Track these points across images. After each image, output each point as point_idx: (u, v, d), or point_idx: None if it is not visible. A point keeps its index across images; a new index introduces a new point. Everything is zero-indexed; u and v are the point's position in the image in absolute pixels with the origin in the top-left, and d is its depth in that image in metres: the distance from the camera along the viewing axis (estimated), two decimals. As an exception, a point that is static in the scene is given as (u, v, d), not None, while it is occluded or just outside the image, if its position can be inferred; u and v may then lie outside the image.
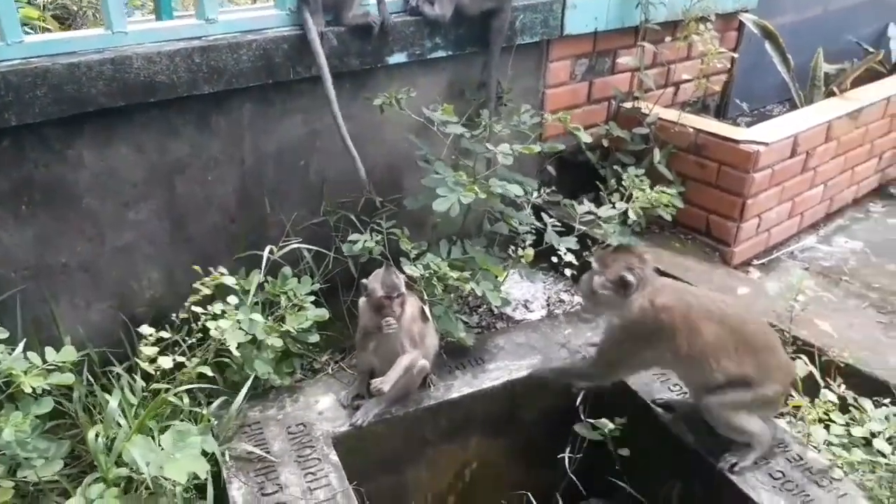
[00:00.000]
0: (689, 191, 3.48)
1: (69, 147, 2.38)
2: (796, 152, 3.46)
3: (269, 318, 2.63)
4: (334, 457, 2.36)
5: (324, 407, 2.58)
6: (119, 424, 2.20)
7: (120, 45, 2.40)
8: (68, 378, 2.17)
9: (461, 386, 2.69)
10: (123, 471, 2.09)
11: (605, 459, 2.65)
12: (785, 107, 4.71)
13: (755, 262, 3.55)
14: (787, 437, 2.47)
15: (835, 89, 4.12)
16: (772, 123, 3.63)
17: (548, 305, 3.33)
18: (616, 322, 2.38)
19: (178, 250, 2.69)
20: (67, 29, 4.31)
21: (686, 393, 2.58)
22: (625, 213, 3.07)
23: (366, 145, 3.02)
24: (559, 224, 3.05)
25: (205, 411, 2.34)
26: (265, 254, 2.68)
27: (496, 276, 2.82)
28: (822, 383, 2.62)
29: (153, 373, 2.28)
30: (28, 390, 2.08)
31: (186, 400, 2.35)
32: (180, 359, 2.35)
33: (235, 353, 2.37)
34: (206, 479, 2.14)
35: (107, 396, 2.24)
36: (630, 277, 2.26)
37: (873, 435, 2.42)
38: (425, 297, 2.67)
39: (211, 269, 2.46)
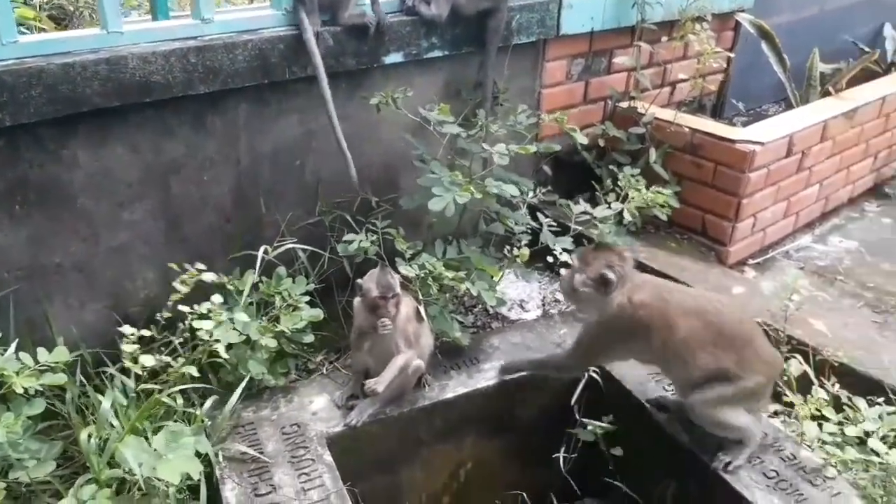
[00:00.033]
0: (685, 190, 3.48)
1: (64, 147, 2.38)
2: (792, 152, 3.46)
3: (264, 318, 2.63)
4: (328, 457, 2.36)
5: (318, 407, 2.58)
6: (112, 425, 2.20)
7: (115, 45, 2.39)
8: (60, 379, 2.17)
9: (456, 386, 2.69)
10: (116, 472, 2.09)
11: (600, 459, 2.65)
12: (781, 106, 4.71)
13: (751, 261, 3.55)
14: (781, 437, 2.47)
15: (830, 89, 4.13)
16: (767, 123, 3.63)
17: (543, 305, 3.33)
18: (594, 317, 2.42)
19: (173, 250, 2.69)
20: (64, 29, 4.30)
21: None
22: (620, 213, 3.07)
23: (362, 145, 3.02)
24: (555, 224, 3.05)
25: (198, 412, 2.33)
26: (259, 254, 2.68)
27: (492, 276, 2.82)
28: (816, 382, 2.62)
29: (140, 373, 2.27)
30: (20, 391, 2.08)
31: (180, 400, 2.35)
32: (166, 358, 2.32)
33: (224, 353, 2.36)
34: (199, 480, 2.14)
35: (99, 397, 2.24)
36: (610, 275, 2.29)
37: (867, 434, 2.43)
38: (420, 297, 2.67)
39: (188, 265, 2.42)
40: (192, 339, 2.41)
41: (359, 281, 2.48)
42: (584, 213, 3.09)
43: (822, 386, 2.59)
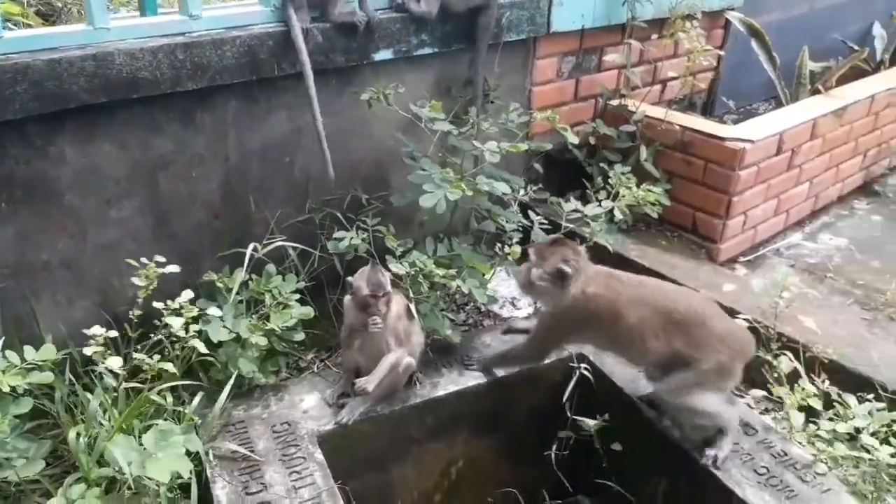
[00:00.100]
0: (676, 188, 3.49)
1: (51, 143, 2.36)
2: (782, 150, 3.47)
3: (254, 316, 2.61)
4: (319, 455, 2.35)
5: (309, 405, 2.57)
6: (101, 424, 2.18)
7: (102, 42, 2.37)
8: (48, 377, 2.14)
9: (447, 384, 2.69)
10: (106, 470, 2.07)
11: (592, 457, 2.65)
12: (771, 104, 4.73)
13: (741, 259, 3.56)
14: (771, 433, 2.48)
15: (820, 87, 4.14)
16: (757, 121, 3.64)
17: (534, 303, 3.32)
18: (549, 309, 2.54)
19: (161, 248, 2.66)
20: (52, 25, 4.26)
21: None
22: (611, 211, 3.07)
23: (352, 142, 3.01)
24: (546, 222, 3.05)
25: (188, 410, 2.32)
26: (248, 251, 2.66)
27: (483, 274, 2.81)
28: (805, 379, 2.63)
29: (119, 372, 2.23)
30: (6, 390, 2.06)
31: (170, 399, 2.33)
32: (140, 356, 2.26)
33: (202, 348, 2.33)
34: (189, 479, 2.12)
35: (88, 395, 2.22)
36: (567, 269, 2.38)
37: (857, 430, 2.43)
38: (411, 295, 2.66)
39: (145, 259, 2.35)
40: (174, 337, 2.38)
41: (349, 279, 2.48)
42: (575, 210, 3.09)
43: (812, 382, 2.59)
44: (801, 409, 2.52)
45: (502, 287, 3.36)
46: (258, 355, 2.55)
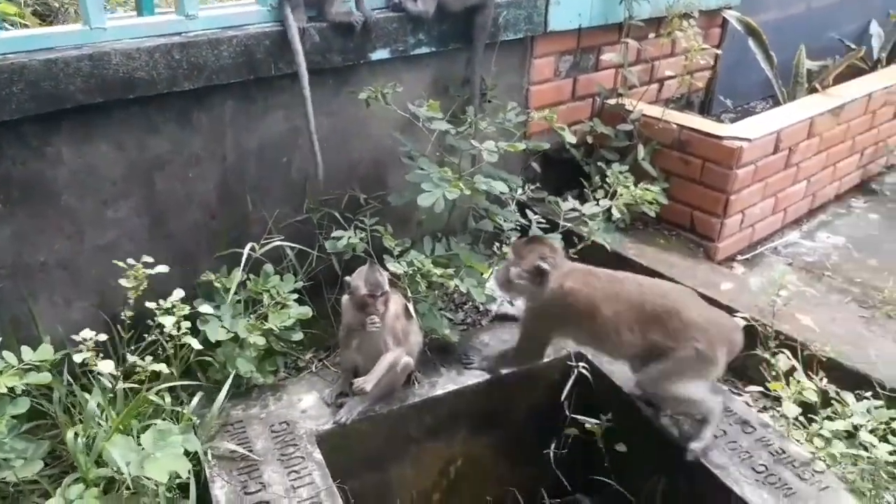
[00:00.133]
0: (673, 187, 3.49)
1: (47, 144, 2.35)
2: (779, 148, 3.48)
3: (252, 316, 2.61)
4: (318, 455, 2.35)
5: (307, 405, 2.57)
6: (99, 424, 2.18)
7: (98, 41, 2.37)
8: (45, 378, 2.14)
9: (446, 383, 2.69)
10: (105, 471, 2.07)
11: (591, 455, 2.65)
12: (768, 103, 4.74)
13: (739, 257, 3.57)
14: (770, 431, 2.48)
15: (817, 86, 4.15)
16: (755, 120, 3.64)
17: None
18: (530, 306, 2.60)
19: (158, 248, 2.66)
20: (49, 26, 4.26)
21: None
22: (609, 209, 3.07)
23: (349, 141, 3.01)
24: (544, 221, 3.05)
25: (186, 410, 2.32)
26: (246, 251, 2.66)
27: (481, 273, 2.81)
28: (801, 373, 2.63)
29: (116, 373, 2.23)
30: (4, 390, 2.05)
31: (168, 399, 2.33)
32: (133, 358, 2.26)
33: (197, 345, 2.33)
34: (188, 479, 2.12)
35: (86, 396, 2.22)
36: (545, 266, 2.44)
37: (856, 428, 2.44)
38: (409, 295, 2.66)
39: (132, 260, 2.34)
40: (168, 336, 2.37)
41: (347, 278, 2.47)
42: (573, 209, 3.09)
43: (810, 380, 2.59)
44: (797, 402, 2.52)
45: (500, 286, 3.36)
46: (256, 355, 2.55)
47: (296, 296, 2.71)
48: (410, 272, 2.63)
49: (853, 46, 4.81)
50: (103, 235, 2.56)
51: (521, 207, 3.16)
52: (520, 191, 3.06)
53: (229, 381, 2.43)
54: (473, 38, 3.10)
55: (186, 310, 2.34)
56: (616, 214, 3.08)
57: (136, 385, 2.27)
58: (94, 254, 2.55)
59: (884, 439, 2.38)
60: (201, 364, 2.49)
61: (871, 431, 2.40)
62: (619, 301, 2.40)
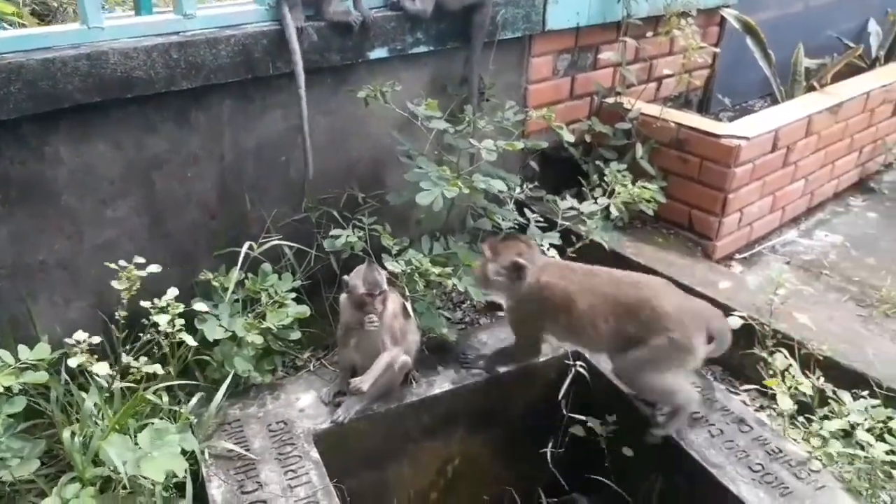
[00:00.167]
0: (672, 186, 3.49)
1: (45, 143, 2.35)
2: (777, 147, 3.48)
3: (250, 315, 2.61)
4: (315, 454, 2.35)
5: (305, 404, 2.57)
6: (96, 423, 2.18)
7: (96, 41, 2.37)
8: (42, 377, 2.14)
9: (443, 382, 2.69)
10: (101, 470, 2.07)
11: (588, 455, 2.65)
12: (766, 102, 4.74)
13: (737, 256, 3.57)
14: (766, 430, 2.49)
15: (815, 84, 4.15)
16: (753, 118, 3.65)
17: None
18: (510, 305, 2.64)
19: (157, 247, 2.67)
20: (47, 25, 4.25)
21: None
22: (607, 208, 3.07)
23: (348, 140, 3.01)
24: (542, 220, 3.05)
25: (184, 409, 2.32)
26: (243, 250, 2.66)
27: (479, 272, 2.81)
28: (797, 369, 2.63)
29: (112, 374, 2.23)
30: (0, 389, 2.06)
31: (166, 398, 2.33)
32: (127, 359, 2.26)
33: (192, 342, 2.33)
34: (185, 478, 2.12)
35: (83, 395, 2.22)
36: (522, 262, 2.47)
37: (853, 427, 2.44)
38: (407, 294, 2.66)
39: (123, 262, 2.33)
40: (163, 335, 2.37)
41: (345, 277, 2.48)
42: (572, 208, 3.09)
43: (807, 378, 2.60)
44: (793, 399, 2.53)
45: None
46: (254, 354, 2.56)
47: (294, 295, 2.71)
48: (408, 271, 2.63)
49: (851, 45, 4.81)
50: (102, 235, 2.56)
51: (520, 206, 3.16)
52: (518, 190, 3.06)
53: (227, 380, 2.44)
54: (471, 37, 3.10)
55: (181, 308, 2.34)
56: (614, 212, 3.08)
57: (133, 384, 2.27)
58: (92, 253, 2.56)
59: (881, 438, 2.38)
60: (199, 363, 2.49)
61: (869, 430, 2.41)
62: (594, 294, 2.43)
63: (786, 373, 2.57)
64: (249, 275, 2.71)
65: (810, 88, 4.16)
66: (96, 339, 2.22)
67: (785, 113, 3.65)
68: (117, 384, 2.25)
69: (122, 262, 2.31)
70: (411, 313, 2.61)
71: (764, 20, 4.37)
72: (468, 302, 3.22)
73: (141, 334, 2.34)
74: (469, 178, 2.72)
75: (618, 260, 3.18)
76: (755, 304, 2.89)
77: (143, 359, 2.26)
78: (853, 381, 2.60)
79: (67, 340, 2.18)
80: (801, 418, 2.59)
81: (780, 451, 2.39)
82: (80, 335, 2.17)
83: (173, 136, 2.60)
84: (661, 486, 2.52)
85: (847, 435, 2.44)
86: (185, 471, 2.10)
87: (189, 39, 2.47)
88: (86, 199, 2.49)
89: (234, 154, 2.76)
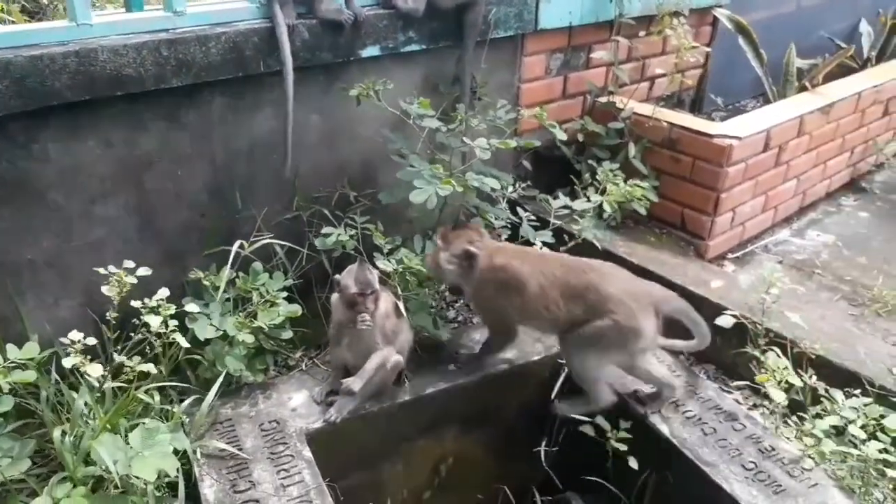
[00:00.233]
0: (664, 185, 3.49)
1: (34, 141, 2.33)
2: (769, 147, 3.48)
3: (241, 314, 2.60)
4: (308, 453, 2.34)
5: (297, 403, 2.56)
6: (87, 423, 2.16)
7: (85, 38, 2.35)
8: (30, 376, 2.12)
9: (436, 381, 2.68)
10: (93, 469, 2.06)
11: (582, 453, 2.65)
12: (759, 102, 4.74)
13: (730, 255, 3.57)
14: (759, 429, 2.49)
15: (807, 84, 4.16)
16: (745, 118, 3.65)
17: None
18: (470, 291, 2.67)
19: (147, 246, 2.65)
20: (37, 22, 4.22)
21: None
22: (600, 206, 3.07)
23: (339, 139, 3.00)
24: (534, 218, 3.05)
25: (176, 409, 2.30)
26: (234, 249, 2.65)
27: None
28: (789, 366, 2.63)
29: (105, 373, 2.21)
30: (-12, 389, 2.04)
31: (157, 398, 2.32)
32: (121, 358, 2.24)
33: (184, 343, 2.32)
34: (177, 477, 2.11)
35: (74, 394, 2.20)
36: (473, 250, 2.54)
37: (846, 424, 2.44)
38: (399, 293, 2.65)
39: (113, 268, 2.29)
40: (155, 336, 2.35)
41: (337, 277, 2.47)
42: (564, 207, 3.09)
43: (800, 378, 2.60)
44: (785, 392, 2.53)
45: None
46: (246, 353, 2.55)
47: (285, 294, 2.70)
48: (400, 270, 2.63)
49: (843, 45, 4.83)
50: (91, 233, 2.54)
51: (512, 205, 3.16)
52: (511, 189, 3.06)
53: (219, 379, 2.42)
54: (464, 36, 3.09)
55: (172, 309, 2.32)
56: (607, 209, 3.08)
57: (124, 384, 2.25)
58: (82, 252, 2.54)
59: (873, 436, 2.39)
60: (191, 362, 2.48)
61: (862, 427, 2.41)
62: (544, 276, 2.48)
63: (776, 368, 2.57)
64: (240, 274, 2.69)
65: (802, 88, 4.16)
66: (92, 341, 2.18)
67: (777, 113, 3.66)
68: (108, 384, 2.23)
69: (112, 268, 2.28)
70: (403, 312, 2.60)
71: (756, 20, 4.38)
72: (460, 301, 3.21)
73: (132, 334, 2.32)
74: (462, 177, 2.71)
75: (610, 259, 3.16)
76: (747, 303, 2.89)
77: (137, 358, 2.24)
78: (845, 379, 2.60)
79: (63, 340, 2.16)
80: (793, 417, 2.59)
81: (773, 450, 2.40)
82: (75, 335, 2.14)
83: (163, 133, 2.58)
84: (654, 484, 2.52)
85: (840, 433, 2.45)
86: (177, 470, 2.10)
87: (179, 37, 2.45)
88: (75, 198, 2.47)
89: (224, 152, 2.74)
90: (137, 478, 2.02)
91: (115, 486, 2.03)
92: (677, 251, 3.42)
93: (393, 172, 2.80)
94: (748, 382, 2.74)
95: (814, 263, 3.52)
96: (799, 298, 3.09)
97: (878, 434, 2.40)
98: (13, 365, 2.13)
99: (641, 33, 3.69)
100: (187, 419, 2.33)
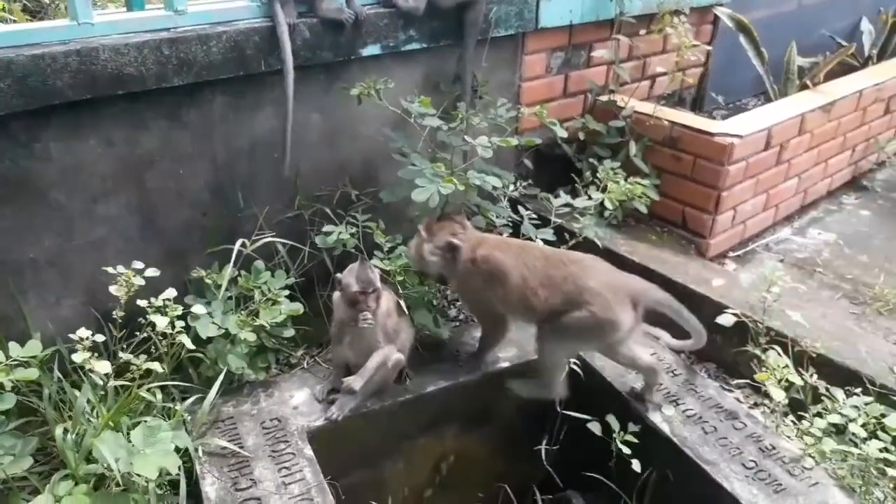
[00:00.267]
0: (665, 183, 3.49)
1: (36, 140, 2.34)
2: (770, 145, 3.48)
3: (243, 312, 2.60)
4: (309, 451, 2.34)
5: (299, 401, 2.56)
6: (89, 421, 2.17)
7: (86, 37, 2.36)
8: (33, 374, 2.13)
9: (437, 379, 2.68)
10: (95, 467, 2.06)
11: (582, 452, 2.65)
12: (760, 100, 4.74)
13: (731, 254, 3.57)
14: (760, 428, 2.49)
15: (808, 82, 4.16)
16: (746, 116, 3.65)
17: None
18: (455, 283, 2.69)
19: (148, 245, 2.66)
20: (39, 21, 4.23)
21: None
22: (601, 204, 3.07)
23: (341, 137, 3.00)
24: (536, 217, 3.05)
25: (178, 407, 2.31)
26: (236, 247, 2.65)
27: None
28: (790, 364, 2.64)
29: (109, 371, 2.22)
30: (-9, 386, 2.05)
31: (160, 396, 2.32)
32: (127, 356, 2.25)
33: (189, 344, 2.33)
34: (178, 475, 2.11)
35: (76, 392, 2.21)
36: (456, 242, 2.55)
37: (847, 423, 2.44)
38: (400, 291, 2.66)
39: (122, 267, 2.30)
40: (160, 335, 2.35)
41: (338, 275, 2.47)
42: (565, 205, 3.09)
43: (800, 376, 2.60)
44: (785, 391, 2.53)
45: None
46: (248, 351, 2.55)
47: (287, 292, 2.71)
48: (400, 268, 2.63)
49: (844, 43, 4.83)
50: (93, 232, 2.55)
51: (513, 204, 3.15)
52: (512, 187, 3.06)
53: (221, 377, 2.43)
54: (464, 35, 3.09)
55: (179, 310, 2.33)
56: (608, 206, 3.08)
57: (127, 382, 2.26)
58: (84, 251, 2.54)
59: (874, 435, 2.39)
60: (193, 360, 2.48)
61: (863, 426, 2.41)
62: (526, 267, 2.49)
63: (777, 367, 2.58)
64: (242, 272, 2.70)
65: (803, 87, 4.16)
66: (100, 338, 2.21)
67: (778, 111, 3.65)
68: (111, 382, 2.24)
69: (121, 268, 2.29)
70: (405, 311, 2.60)
71: (757, 19, 4.38)
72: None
73: (137, 333, 2.33)
74: (464, 175, 2.71)
75: (612, 257, 3.17)
76: (749, 301, 2.89)
77: (143, 356, 2.25)
78: (846, 378, 2.60)
79: (71, 336, 2.17)
80: (794, 415, 2.59)
81: (774, 448, 2.40)
82: (84, 332, 2.15)
83: (165, 132, 2.59)
84: (655, 482, 2.52)
85: (840, 432, 2.45)
86: (179, 468, 2.10)
87: (180, 36, 2.45)
88: (76, 197, 2.48)
89: (226, 151, 2.74)
90: (139, 476, 2.02)
91: (117, 484, 2.03)
92: (678, 249, 3.42)
93: (394, 171, 2.81)
94: (749, 381, 2.74)
95: (815, 262, 3.52)
96: (800, 297, 3.09)
97: (879, 433, 2.39)
98: (16, 363, 2.14)
99: (642, 32, 3.69)
100: (189, 417, 2.34)
